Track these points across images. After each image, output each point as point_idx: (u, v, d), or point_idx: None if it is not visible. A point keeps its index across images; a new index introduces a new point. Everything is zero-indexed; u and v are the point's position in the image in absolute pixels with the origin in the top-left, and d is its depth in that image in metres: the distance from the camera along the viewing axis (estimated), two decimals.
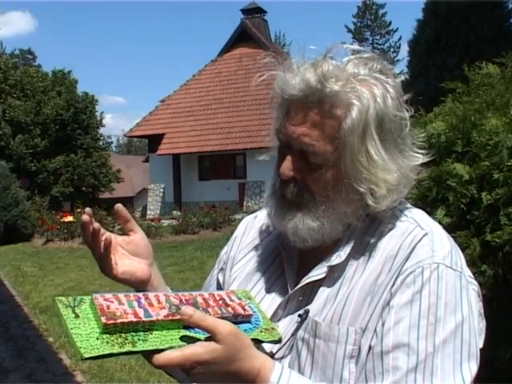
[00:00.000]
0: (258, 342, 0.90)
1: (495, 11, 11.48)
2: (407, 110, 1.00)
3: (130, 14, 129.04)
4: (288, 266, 1.07)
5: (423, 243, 0.95)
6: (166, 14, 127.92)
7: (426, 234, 0.96)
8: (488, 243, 2.31)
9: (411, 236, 0.96)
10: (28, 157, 27.89)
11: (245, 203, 21.77)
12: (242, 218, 1.31)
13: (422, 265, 0.92)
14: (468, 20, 11.21)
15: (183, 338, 0.82)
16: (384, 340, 0.89)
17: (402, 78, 13.07)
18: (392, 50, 47.22)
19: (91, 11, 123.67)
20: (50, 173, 28.89)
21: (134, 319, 0.81)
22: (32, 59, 54.46)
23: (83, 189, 30.89)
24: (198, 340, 0.81)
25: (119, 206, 1.06)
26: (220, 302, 0.93)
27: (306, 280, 1.00)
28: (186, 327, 0.83)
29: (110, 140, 38.67)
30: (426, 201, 2.56)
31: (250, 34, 24.90)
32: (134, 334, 0.81)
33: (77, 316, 0.82)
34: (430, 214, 1.06)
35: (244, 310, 0.93)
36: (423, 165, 1.02)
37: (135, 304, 0.85)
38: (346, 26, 47.43)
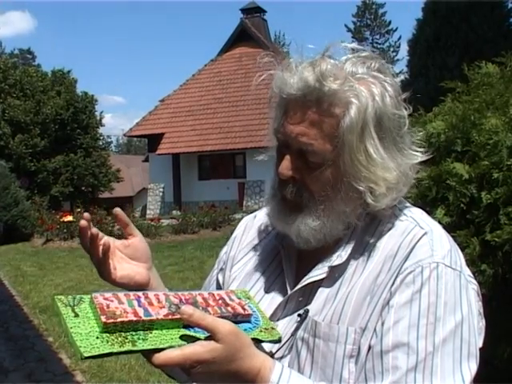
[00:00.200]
0: (257, 342, 0.90)
1: (495, 11, 11.49)
2: (406, 109, 1.00)
3: (130, 13, 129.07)
4: (287, 265, 1.07)
5: (423, 242, 0.95)
6: (165, 14, 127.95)
7: (425, 234, 0.96)
8: (488, 242, 2.31)
9: (411, 235, 0.96)
10: (27, 156, 27.89)
11: (244, 203, 21.77)
12: (242, 218, 1.31)
13: (421, 264, 0.92)
14: (468, 19, 11.22)
15: (183, 338, 0.82)
16: (384, 339, 0.89)
17: (402, 77, 13.08)
18: (392, 49, 47.26)
19: (91, 11, 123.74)
20: (49, 172, 28.89)
21: (134, 318, 0.81)
22: (31, 59, 54.46)
23: (83, 188, 30.89)
24: (198, 339, 0.81)
25: (118, 210, 1.06)
26: (220, 301, 0.93)
27: (306, 280, 1.00)
28: (186, 326, 0.83)
29: (109, 140, 38.69)
30: (426, 200, 2.56)
31: (249, 33, 24.90)
32: (133, 333, 0.81)
33: (76, 315, 0.82)
34: (429, 213, 1.06)
35: (244, 309, 0.93)
36: (422, 164, 1.02)
37: (135, 303, 0.85)
38: (346, 26, 47.52)
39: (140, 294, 0.89)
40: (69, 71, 32.01)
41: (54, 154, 29.26)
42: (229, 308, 0.92)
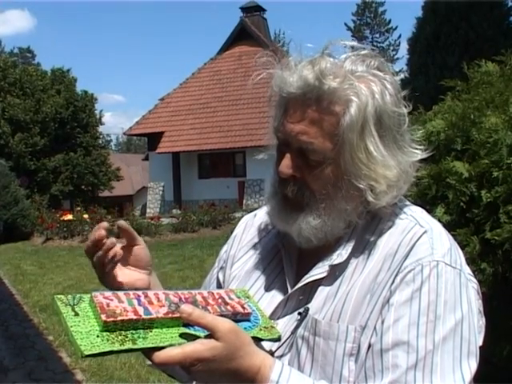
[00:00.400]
0: (257, 340, 0.90)
1: (494, 9, 11.48)
2: (405, 107, 1.00)
3: (129, 12, 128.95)
4: (287, 264, 1.07)
5: (422, 241, 0.95)
6: (165, 13, 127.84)
7: (425, 232, 0.96)
8: (488, 241, 2.31)
9: (410, 234, 0.96)
10: (27, 155, 27.89)
11: (244, 201, 21.77)
12: (242, 217, 1.31)
13: (421, 262, 0.92)
14: (467, 18, 11.21)
15: (183, 336, 0.82)
16: (384, 338, 0.89)
17: (402, 76, 13.08)
18: (391, 48, 47.25)
19: (90, 9, 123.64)
20: (49, 171, 28.89)
21: (134, 317, 0.81)
22: (31, 57, 54.41)
23: (83, 187, 30.90)
24: (198, 337, 0.81)
25: (122, 223, 1.04)
26: (219, 300, 0.93)
27: (306, 279, 1.00)
28: (186, 325, 0.83)
29: (109, 138, 38.81)
30: (426, 199, 2.56)
31: (249, 32, 24.87)
32: (133, 331, 0.81)
33: (76, 314, 0.82)
34: (429, 211, 1.06)
35: (243, 308, 0.93)
36: (422, 162, 1.02)
37: (135, 302, 0.85)
38: (346, 24, 47.46)
39: (140, 293, 0.89)
40: (68, 70, 32.01)
41: (54, 153, 29.26)
42: (228, 307, 0.92)
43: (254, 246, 1.17)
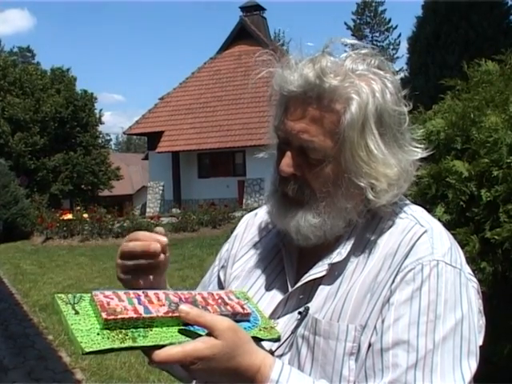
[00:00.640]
0: (257, 340, 0.90)
1: (494, 9, 11.48)
2: (406, 106, 1.00)
3: (129, 11, 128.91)
4: (288, 263, 1.07)
5: (423, 240, 0.95)
6: (165, 12, 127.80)
7: (425, 232, 0.96)
8: (487, 240, 2.31)
9: (411, 233, 0.96)
10: (27, 155, 27.91)
11: (244, 201, 21.77)
12: (242, 216, 1.31)
13: (421, 262, 0.92)
14: (467, 17, 11.21)
15: (183, 334, 0.82)
16: (384, 337, 0.89)
17: (402, 75, 13.07)
18: (391, 47, 47.19)
19: (90, 9, 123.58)
20: (49, 171, 28.90)
21: (135, 315, 0.81)
22: (31, 57, 54.37)
23: (82, 186, 30.91)
24: (198, 336, 0.81)
25: (161, 230, 0.98)
26: (219, 300, 0.93)
27: (306, 278, 1.00)
28: (186, 324, 0.83)
29: (109, 138, 38.73)
30: (426, 198, 2.56)
31: (249, 31, 24.87)
32: (134, 330, 0.81)
33: (77, 312, 0.82)
34: (429, 211, 1.06)
35: (243, 308, 0.93)
36: (422, 161, 1.02)
37: (135, 301, 0.85)
38: (346, 24, 47.38)
39: (140, 292, 0.89)
40: (68, 69, 32.03)
41: (54, 152, 29.27)
42: (228, 307, 0.92)
43: (255, 246, 1.17)
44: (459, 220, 2.45)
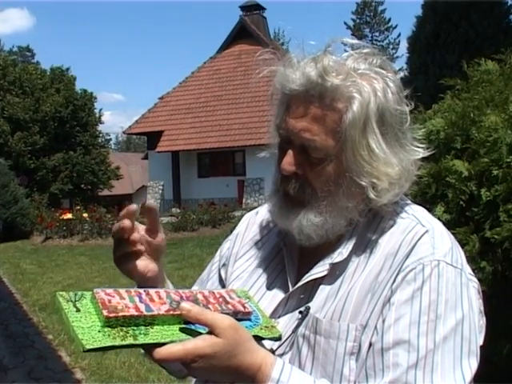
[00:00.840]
0: (258, 339, 0.90)
1: (494, 8, 11.49)
2: (407, 105, 1.00)
3: (129, 11, 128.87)
4: (289, 262, 1.07)
5: (424, 240, 0.95)
6: (165, 11, 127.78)
7: (426, 232, 0.96)
8: (487, 240, 2.31)
9: (412, 233, 0.96)
10: (27, 154, 27.89)
11: (244, 200, 21.77)
12: (242, 216, 1.31)
13: (422, 262, 0.92)
14: (467, 17, 11.22)
15: (184, 332, 0.82)
16: (384, 337, 0.89)
17: (402, 74, 13.07)
18: (391, 46, 47.20)
19: (89, 8, 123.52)
20: (48, 170, 28.88)
21: (136, 313, 0.81)
22: (30, 56, 54.36)
23: (82, 186, 30.90)
24: (199, 334, 0.81)
25: (152, 204, 1.00)
26: (220, 299, 0.93)
27: (307, 277, 1.00)
28: (187, 323, 0.83)
29: (108, 137, 38.57)
30: (426, 197, 2.56)
31: (249, 30, 24.87)
32: (135, 327, 0.81)
33: (78, 310, 0.82)
34: (429, 210, 1.06)
35: (244, 307, 0.93)
36: (423, 160, 1.02)
37: (136, 299, 0.85)
38: (345, 23, 47.39)
39: (141, 290, 0.89)
40: (68, 68, 32.03)
41: (54, 152, 29.25)
42: (229, 306, 0.92)
43: (256, 244, 1.17)
44: (459, 219, 2.45)
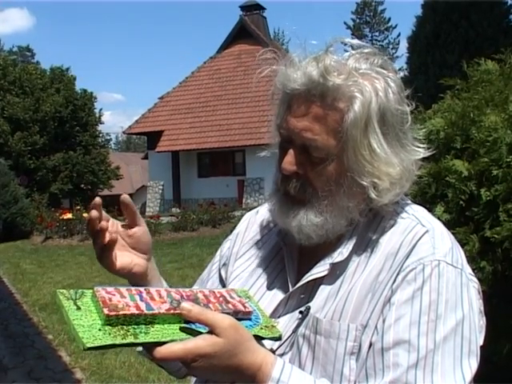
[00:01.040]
0: (258, 339, 0.90)
1: (494, 8, 11.49)
2: (408, 105, 1.00)
3: (129, 11, 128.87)
4: (289, 262, 1.07)
5: (424, 240, 0.95)
6: (165, 11, 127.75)
7: (427, 232, 0.96)
8: (487, 239, 2.31)
9: (412, 233, 0.96)
10: (27, 154, 27.88)
11: (244, 200, 21.77)
12: (242, 215, 1.31)
13: (422, 262, 0.92)
14: (467, 17, 11.22)
15: (185, 332, 0.82)
16: (385, 337, 0.89)
17: (401, 74, 13.06)
18: (391, 46, 47.20)
19: (89, 8, 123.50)
20: (48, 170, 28.87)
21: (136, 311, 0.81)
22: (30, 56, 54.37)
23: (82, 186, 30.89)
24: (200, 333, 0.81)
25: (126, 198, 1.01)
26: (220, 298, 0.93)
27: (307, 277, 1.00)
28: (187, 322, 0.83)
29: (108, 137, 38.50)
30: (425, 197, 2.56)
31: (248, 30, 24.86)
32: (135, 326, 0.81)
33: (78, 308, 0.82)
34: (429, 210, 1.06)
35: (244, 307, 0.93)
36: (423, 160, 1.02)
37: (137, 298, 0.85)
38: (345, 23, 47.40)
39: (142, 289, 0.89)
40: (67, 68, 32.00)
41: (53, 152, 29.24)
42: (230, 305, 0.92)
43: (256, 244, 1.17)
44: (459, 219, 2.45)
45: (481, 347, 0.93)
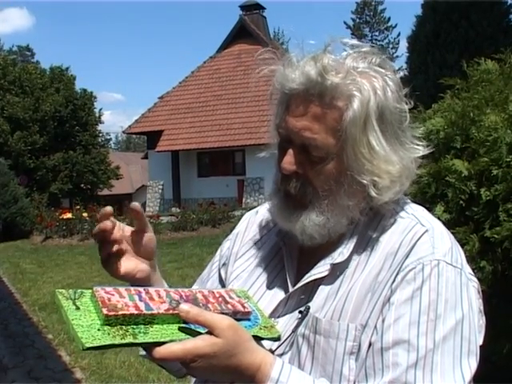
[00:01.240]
0: (257, 339, 0.90)
1: (494, 7, 11.48)
2: (406, 103, 1.00)
3: (128, 10, 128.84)
4: (288, 262, 1.07)
5: (424, 240, 0.95)
6: (164, 11, 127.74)
7: (426, 231, 0.96)
8: (487, 239, 2.31)
9: (412, 233, 0.96)
10: (26, 154, 27.87)
11: (244, 200, 21.77)
12: (241, 215, 1.31)
13: (422, 261, 0.92)
14: (467, 16, 11.21)
15: (184, 332, 0.82)
16: (384, 336, 0.89)
17: (401, 74, 13.06)
18: (391, 46, 47.18)
19: (89, 7, 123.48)
20: (48, 170, 28.86)
21: (135, 311, 0.81)
22: (30, 56, 54.35)
23: (82, 186, 30.89)
24: (199, 334, 0.81)
25: (136, 205, 1.00)
26: (220, 299, 0.93)
27: (307, 278, 1.00)
28: (187, 322, 0.83)
29: (108, 137, 38.56)
30: (425, 197, 2.56)
31: (248, 30, 24.86)
32: (134, 326, 0.81)
33: (77, 308, 0.82)
34: (429, 210, 1.06)
35: (243, 307, 0.93)
36: (423, 159, 1.03)
37: (136, 298, 0.85)
38: (345, 23, 47.37)
39: (141, 289, 0.89)
40: (67, 68, 31.98)
41: (53, 151, 29.23)
42: (229, 305, 0.92)
43: (256, 244, 1.17)
44: (459, 219, 2.45)
45: (480, 347, 0.93)
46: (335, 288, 0.98)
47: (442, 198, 2.52)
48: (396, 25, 47.85)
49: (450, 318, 0.89)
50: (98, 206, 15.70)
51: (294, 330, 0.98)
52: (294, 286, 1.03)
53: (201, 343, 0.80)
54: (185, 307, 0.82)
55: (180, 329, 0.83)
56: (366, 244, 0.99)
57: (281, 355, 0.97)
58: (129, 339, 0.78)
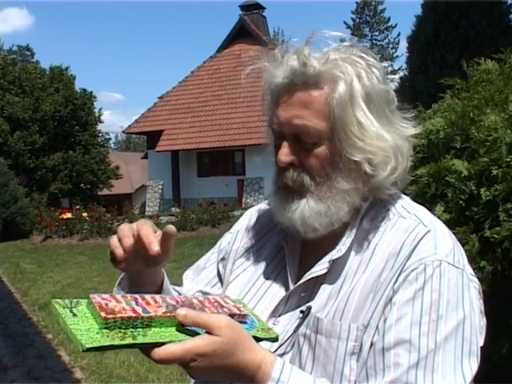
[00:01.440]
0: (256, 340, 0.90)
1: (494, 7, 11.47)
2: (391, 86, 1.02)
3: (128, 10, 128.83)
4: (289, 260, 1.07)
5: (426, 240, 0.95)
6: (164, 11, 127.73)
7: (428, 232, 0.96)
8: (487, 239, 2.31)
9: (414, 233, 0.97)
10: (26, 153, 27.85)
11: (244, 200, 21.76)
12: (241, 215, 1.31)
13: (424, 262, 0.92)
14: (467, 16, 11.20)
15: (182, 333, 0.82)
16: (386, 336, 0.89)
17: (401, 74, 13.06)
18: (391, 46, 47.24)
19: (89, 7, 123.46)
20: (48, 169, 28.85)
21: (133, 314, 0.82)
22: (30, 55, 54.32)
23: (82, 185, 30.87)
24: (197, 334, 0.81)
25: (172, 229, 0.92)
26: (215, 303, 0.93)
27: (308, 276, 1.00)
28: (184, 326, 0.83)
29: (108, 137, 38.61)
30: (425, 197, 2.56)
31: (248, 30, 24.86)
32: (133, 329, 0.81)
33: (75, 315, 0.82)
34: (429, 210, 1.06)
35: (239, 310, 0.93)
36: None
37: (133, 303, 0.85)
38: (345, 23, 47.34)
39: (137, 295, 0.89)
40: (67, 68, 31.95)
41: (53, 151, 29.21)
42: (225, 309, 0.92)
43: (257, 242, 1.17)
44: (459, 219, 2.45)
45: (481, 347, 0.93)
46: (337, 288, 0.98)
47: (441, 198, 2.52)
48: (396, 25, 47.93)
49: (452, 318, 0.89)
50: (97, 205, 15.70)
51: (296, 330, 0.98)
52: (295, 284, 1.03)
53: (200, 342, 0.80)
54: (182, 311, 0.82)
55: (178, 330, 0.83)
56: (366, 245, 0.99)
57: (282, 355, 0.97)
58: (128, 340, 0.78)
